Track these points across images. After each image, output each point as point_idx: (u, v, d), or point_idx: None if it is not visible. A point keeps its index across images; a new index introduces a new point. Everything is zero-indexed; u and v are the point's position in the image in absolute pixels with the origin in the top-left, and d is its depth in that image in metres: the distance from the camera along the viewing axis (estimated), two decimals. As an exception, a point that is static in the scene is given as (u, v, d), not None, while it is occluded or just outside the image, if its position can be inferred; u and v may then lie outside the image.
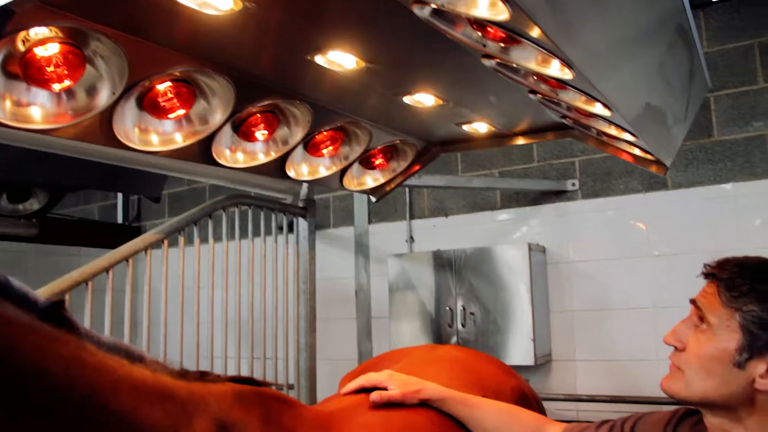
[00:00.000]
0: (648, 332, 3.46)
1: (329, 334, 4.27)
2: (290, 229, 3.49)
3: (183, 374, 1.08)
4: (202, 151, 1.85)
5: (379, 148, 2.38)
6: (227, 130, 1.86)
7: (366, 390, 1.61)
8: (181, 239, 2.81)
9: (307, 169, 2.25)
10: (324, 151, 2.21)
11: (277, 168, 2.13)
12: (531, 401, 1.94)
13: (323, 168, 2.27)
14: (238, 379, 1.19)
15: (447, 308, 3.73)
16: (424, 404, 1.62)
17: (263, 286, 3.19)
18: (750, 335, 1.16)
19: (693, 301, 1.27)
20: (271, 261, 3.25)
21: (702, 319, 1.23)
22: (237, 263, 3.06)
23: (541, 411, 1.99)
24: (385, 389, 1.60)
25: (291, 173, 2.20)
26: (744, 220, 3.38)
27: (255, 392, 1.19)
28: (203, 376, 1.12)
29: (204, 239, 2.90)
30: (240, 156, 1.99)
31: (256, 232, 3.16)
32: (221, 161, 1.94)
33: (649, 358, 3.45)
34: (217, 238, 2.93)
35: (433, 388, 1.64)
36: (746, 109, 3.51)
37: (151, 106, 1.63)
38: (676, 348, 1.27)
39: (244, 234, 3.11)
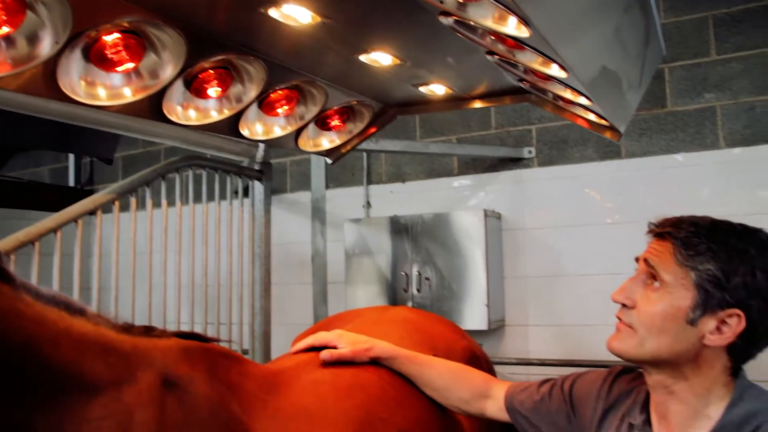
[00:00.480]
0: (599, 298, 3.51)
1: (285, 299, 4.26)
2: (246, 193, 3.45)
3: (127, 328, 1.06)
4: (153, 107, 1.80)
5: (335, 108, 2.34)
6: (179, 85, 1.81)
7: (316, 349, 1.61)
8: (133, 201, 2.75)
9: (262, 128, 2.21)
10: (279, 111, 2.17)
11: (230, 126, 2.08)
12: (481, 361, 1.96)
13: (278, 128, 2.23)
14: (184, 335, 1.17)
15: (403, 273, 3.74)
16: (375, 363, 1.63)
17: (218, 250, 3.15)
18: (705, 293, 1.19)
19: (644, 260, 1.28)
20: (226, 225, 3.21)
21: (654, 277, 1.25)
22: (191, 227, 3.01)
23: (491, 371, 2.02)
24: (335, 348, 1.60)
25: (245, 132, 2.15)
26: (693, 190, 3.45)
27: (202, 348, 1.18)
28: (148, 331, 1.11)
29: (157, 203, 2.84)
30: (192, 113, 1.94)
31: (211, 196, 3.11)
32: (173, 118, 1.88)
33: (599, 324, 3.52)
34: (171, 202, 2.87)
35: (383, 347, 1.65)
36: (699, 80, 3.57)
37: (98, 58, 1.56)
38: (624, 306, 1.28)
39: (198, 198, 3.06)
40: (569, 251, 3.72)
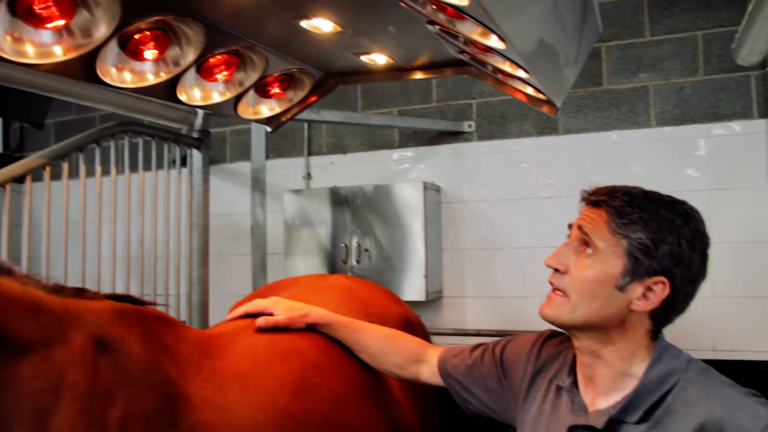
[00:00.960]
0: (534, 271, 3.58)
1: (224, 271, 4.22)
2: (183, 162, 3.39)
3: (57, 290, 1.04)
4: (86, 68, 1.74)
5: (275, 76, 2.31)
6: (113, 46, 1.75)
7: (253, 316, 1.62)
8: (65, 167, 2.66)
9: (200, 94, 2.16)
10: (218, 76, 2.13)
11: (167, 91, 2.03)
12: (416, 328, 2.00)
13: (217, 94, 2.19)
14: (117, 297, 1.16)
15: (342, 245, 3.75)
16: (311, 329, 1.64)
17: (154, 220, 3.09)
18: (634, 260, 1.24)
19: (578, 227, 1.31)
20: (163, 194, 3.15)
21: (586, 243, 1.28)
22: (127, 196, 2.94)
23: (426, 338, 2.06)
24: (271, 315, 1.61)
25: (183, 97, 2.11)
26: (625, 167, 3.56)
27: (136, 310, 1.17)
28: (80, 293, 1.09)
29: (91, 171, 2.75)
30: (127, 75, 1.88)
31: (148, 165, 3.03)
32: (107, 80, 1.83)
33: (534, 295, 3.59)
34: (106, 170, 2.80)
35: (318, 313, 1.66)
36: (633, 60, 3.66)
37: (25, 12, 1.50)
38: (557, 271, 1.31)
39: (134, 166, 2.98)
40: (506, 224, 3.79)
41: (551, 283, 1.33)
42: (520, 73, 1.96)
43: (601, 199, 1.30)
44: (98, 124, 4.93)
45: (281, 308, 1.63)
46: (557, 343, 1.51)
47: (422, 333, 2.08)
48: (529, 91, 2.26)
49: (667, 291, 1.24)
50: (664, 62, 3.60)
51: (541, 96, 2.24)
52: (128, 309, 1.15)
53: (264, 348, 1.46)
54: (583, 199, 1.36)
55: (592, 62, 3.70)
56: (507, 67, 1.95)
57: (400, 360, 1.68)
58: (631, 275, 1.24)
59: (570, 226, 1.36)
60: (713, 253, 3.56)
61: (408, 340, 1.72)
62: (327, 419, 1.41)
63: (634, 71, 3.66)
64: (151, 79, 1.93)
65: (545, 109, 2.37)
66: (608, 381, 1.30)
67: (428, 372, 1.66)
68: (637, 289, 1.24)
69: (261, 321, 1.57)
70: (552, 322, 1.33)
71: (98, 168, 2.77)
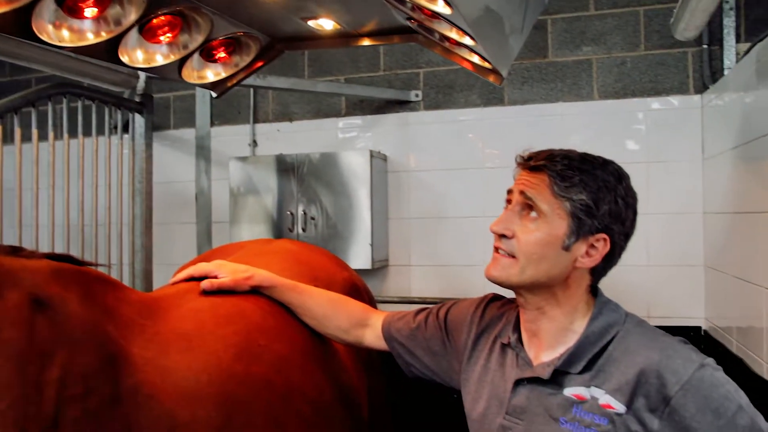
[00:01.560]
0: (478, 239, 3.68)
1: (167, 239, 4.16)
2: (125, 128, 3.30)
3: (-9, 248, 1.02)
4: (20, 24, 1.67)
5: (220, 39, 2.27)
6: (49, 2, 1.69)
7: (197, 279, 1.60)
8: (-1, 130, 2.57)
9: (143, 56, 2.10)
10: (161, 38, 2.08)
11: (109, 52, 1.97)
12: (362, 292, 2.01)
13: (160, 56, 2.13)
14: (55, 256, 1.13)
15: (288, 213, 3.74)
16: (255, 292, 1.64)
17: (95, 186, 3.00)
18: (578, 221, 1.29)
19: (521, 192, 1.34)
20: (104, 160, 3.06)
21: (530, 207, 1.32)
22: (65, 161, 2.85)
23: (372, 302, 2.08)
24: (216, 278, 1.60)
25: (125, 59, 2.05)
26: (567, 138, 3.63)
27: (75, 270, 1.14)
28: (16, 251, 1.06)
29: (27, 136, 2.65)
30: (66, 33, 1.81)
31: (87, 130, 2.94)
32: (43, 37, 1.76)
33: (478, 264, 3.69)
34: (43, 135, 2.71)
35: (263, 275, 1.66)
36: (577, 33, 3.72)
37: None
38: (503, 236, 1.35)
39: (74, 131, 2.89)
40: (452, 194, 3.83)
41: (498, 248, 1.36)
42: (467, 41, 1.97)
43: (541, 164, 1.33)
44: (34, 86, 4.76)
45: (225, 271, 1.63)
46: (500, 306, 1.55)
47: (368, 298, 2.10)
48: (476, 59, 2.27)
49: (608, 247, 1.31)
50: (607, 36, 3.67)
51: (487, 65, 2.26)
52: (67, 268, 1.13)
53: (208, 310, 1.45)
54: (520, 164, 1.40)
55: (537, 34, 3.74)
56: (453, 34, 1.96)
57: (344, 324, 1.69)
58: (576, 235, 1.30)
59: (509, 192, 1.39)
60: (650, 223, 3.69)
61: (353, 304, 1.74)
62: (271, 381, 1.42)
63: (578, 44, 3.72)
64: (90, 39, 1.86)
65: (491, 78, 2.39)
66: (552, 335, 1.36)
67: (372, 336, 1.69)
68: (581, 248, 1.31)
69: (205, 283, 1.56)
70: (500, 283, 1.37)
71: (34, 131, 2.67)
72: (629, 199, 1.33)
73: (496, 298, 1.59)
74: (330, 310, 1.70)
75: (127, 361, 1.15)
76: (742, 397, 1.19)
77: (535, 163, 1.35)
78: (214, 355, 1.33)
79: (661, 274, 3.49)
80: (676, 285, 3.47)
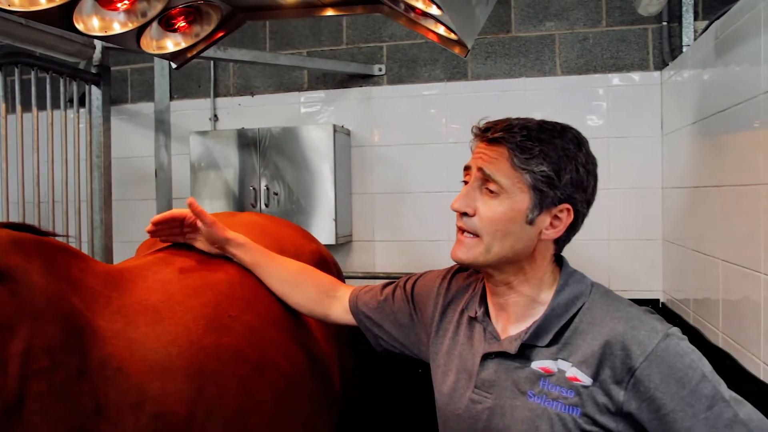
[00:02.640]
0: (441, 215, 3.69)
1: (127, 215, 4.07)
2: (81, 101, 3.20)
3: (-51, 217, 0.97)
4: (-31, -13, 1.60)
5: (180, 8, 2.20)
6: (-1, -35, 1.62)
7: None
8: (-53, 100, 2.46)
9: (99, 23, 2.03)
10: (118, 5, 2.01)
11: (62, 18, 1.89)
12: (329, 264, 2.00)
13: (117, 24, 2.06)
14: (15, 226, 1.09)
15: (251, 188, 3.69)
16: (223, 262, 1.62)
17: (50, 161, 2.91)
18: (540, 193, 1.27)
19: (479, 168, 1.30)
20: (59, 134, 2.97)
21: (490, 182, 1.29)
22: (19, 135, 2.75)
23: (339, 274, 2.07)
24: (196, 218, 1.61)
25: (80, 26, 1.97)
26: (530, 112, 3.57)
27: (36, 240, 1.10)
28: (-27, 221, 1.02)
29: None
30: (16, -3, 1.74)
31: (41, 103, 2.83)
32: (-8, 1, 1.69)
33: (441, 239, 3.71)
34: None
35: (237, 233, 1.65)
36: (541, 8, 3.72)
37: None
38: (465, 214, 1.32)
39: (27, 104, 2.78)
40: (415, 169, 3.83)
41: (460, 228, 1.34)
42: (433, 10, 1.95)
43: (499, 136, 1.30)
44: (-18, 58, 4.59)
45: (206, 215, 1.62)
46: (466, 276, 1.54)
47: (336, 270, 2.09)
48: (441, 30, 2.25)
49: (571, 216, 1.30)
50: (570, 12, 3.68)
51: (452, 36, 2.24)
52: (28, 238, 1.09)
53: (176, 282, 1.42)
54: (477, 135, 1.36)
55: (501, 9, 3.73)
56: (420, 4, 1.94)
57: (312, 294, 1.68)
58: (539, 207, 1.27)
59: (466, 168, 1.36)
60: (611, 198, 3.74)
61: (321, 276, 1.72)
62: (243, 352, 1.40)
63: (541, 19, 3.72)
64: (43, 3, 1.79)
65: (456, 50, 2.37)
66: (520, 309, 1.35)
67: (339, 309, 1.67)
68: (545, 220, 1.29)
69: (193, 203, 1.59)
70: (468, 264, 1.35)
71: (-15, 103, 2.57)
72: (590, 166, 1.31)
73: (461, 269, 1.57)
74: (299, 279, 1.68)
75: (94, 333, 1.12)
76: (706, 366, 1.19)
77: (492, 135, 1.31)
78: (184, 327, 1.30)
79: (620, 248, 3.56)
80: (635, 258, 3.54)
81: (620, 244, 3.56)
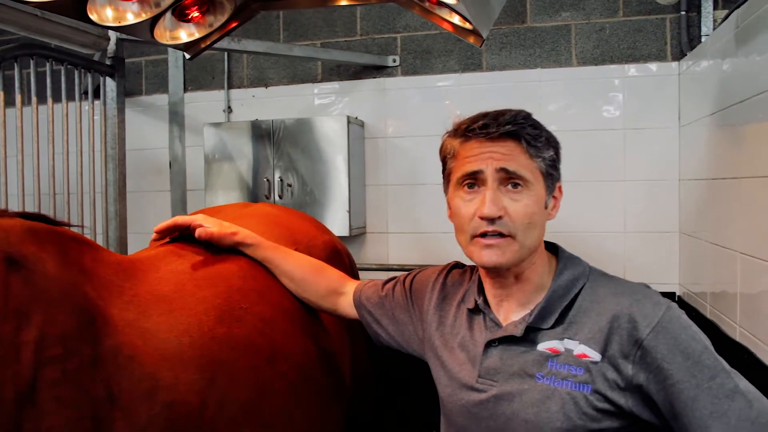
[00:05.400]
0: (455, 206, 3.66)
1: (142, 207, 4.09)
2: (96, 94, 3.21)
3: (-37, 205, 0.98)
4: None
5: (194, -2, 2.20)
6: (15, -45, 1.62)
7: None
8: (-37, 93, 2.47)
9: (113, 13, 2.03)
10: (132, -5, 2.01)
11: (76, 9, 1.90)
12: (342, 255, 2.00)
13: (131, 14, 2.06)
14: (29, 215, 1.09)
15: (265, 179, 3.69)
16: (236, 255, 1.62)
17: (66, 153, 2.92)
18: (549, 177, 1.32)
19: (501, 169, 1.27)
20: (74, 126, 2.98)
21: (512, 179, 1.27)
22: (34, 128, 2.76)
23: (352, 264, 2.08)
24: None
25: (94, 17, 1.97)
26: (545, 103, 3.62)
27: (50, 230, 1.11)
28: (-13, 210, 1.02)
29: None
30: (30, -12, 1.75)
31: (56, 95, 2.84)
32: (8, -7, 1.69)
33: (452, 231, 3.68)
34: (10, 100, 2.61)
35: (247, 233, 1.65)
36: (557, -1, 3.69)
37: None
38: (497, 219, 1.26)
39: (42, 96, 2.79)
40: (429, 160, 3.81)
41: (491, 232, 1.28)
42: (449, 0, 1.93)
43: (509, 129, 1.27)
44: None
45: (210, 223, 1.62)
46: (461, 272, 1.57)
47: (348, 261, 2.08)
48: (456, 20, 2.24)
49: (562, 193, 1.38)
50: (586, 2, 3.64)
51: (467, 26, 2.22)
52: (42, 228, 1.09)
53: (187, 272, 1.42)
54: (472, 136, 1.33)
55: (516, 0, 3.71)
56: (435, -7, 1.93)
57: (321, 289, 1.69)
58: (549, 191, 1.34)
59: (472, 174, 1.31)
60: (627, 190, 3.71)
61: (331, 272, 1.74)
62: (254, 343, 1.40)
63: (557, 10, 3.69)
64: (57, -7, 1.80)
65: (471, 39, 2.35)
66: (524, 295, 1.36)
67: (345, 303, 1.69)
68: (551, 202, 1.35)
69: (200, 232, 1.56)
70: (506, 267, 1.31)
71: (0, 94, 2.58)
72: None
73: (457, 265, 1.60)
74: (310, 275, 1.69)
75: (107, 322, 1.12)
76: (705, 338, 1.22)
77: (502, 129, 1.28)
78: (195, 318, 1.31)
79: (636, 241, 3.53)
80: (651, 251, 3.50)
81: (636, 236, 3.52)
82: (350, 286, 1.71)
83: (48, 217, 1.14)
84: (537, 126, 1.31)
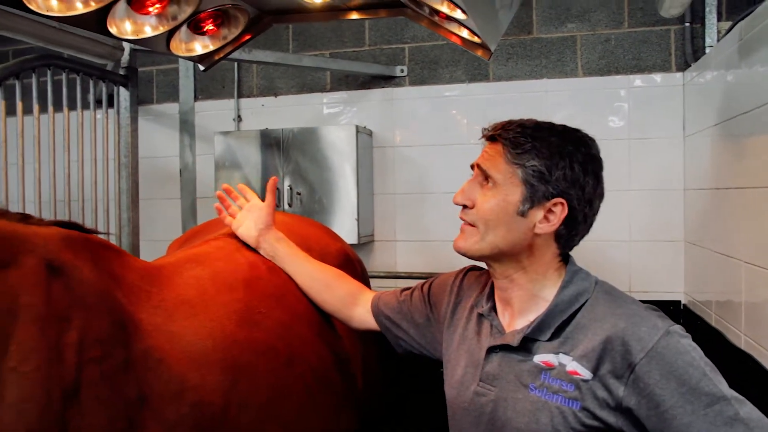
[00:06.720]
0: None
1: (152, 215, 4.14)
2: (110, 102, 3.27)
3: (3, 214, 1.03)
4: (10, -7, 1.66)
5: (209, 11, 2.25)
6: (39, -29, 1.68)
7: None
8: (-17, 101, 2.53)
9: (131, 27, 2.09)
10: (150, 9, 2.06)
11: (97, 22, 1.95)
12: (354, 263, 2.04)
13: (149, 27, 2.12)
14: (63, 224, 1.14)
15: (274, 188, 3.74)
16: (252, 260, 1.68)
17: (81, 161, 2.97)
18: (531, 187, 1.32)
19: (477, 165, 1.38)
20: (89, 134, 3.04)
21: (487, 178, 1.35)
22: (50, 136, 2.81)
23: (364, 272, 2.12)
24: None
25: (113, 30, 2.03)
26: (551, 113, 3.66)
27: (83, 237, 1.16)
28: (26, 218, 1.07)
29: (11, 109, 2.61)
30: (54, 3, 1.80)
31: (72, 103, 2.90)
32: (32, 6, 1.74)
33: (461, 239, 3.72)
34: (27, 110, 2.67)
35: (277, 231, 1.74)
36: (562, 10, 3.74)
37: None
38: (465, 207, 1.39)
39: (58, 104, 2.85)
40: (436, 170, 3.86)
41: (462, 219, 1.41)
42: (457, 14, 1.98)
43: (497, 133, 1.37)
44: (12, 59, 4.67)
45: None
46: (477, 276, 1.60)
47: (360, 269, 2.13)
48: (464, 34, 2.28)
49: (565, 211, 1.33)
50: (592, 13, 3.69)
51: (476, 39, 2.27)
52: (76, 235, 1.14)
53: (209, 278, 1.47)
54: (483, 136, 1.43)
55: (523, 11, 3.75)
56: (444, 8, 1.97)
57: (340, 295, 1.74)
58: (530, 201, 1.32)
59: (472, 167, 1.43)
60: (632, 199, 3.73)
61: (350, 280, 1.79)
62: (274, 347, 1.44)
63: (563, 21, 3.74)
64: (79, 8, 1.85)
65: (479, 52, 2.40)
66: (522, 302, 1.39)
67: (362, 311, 1.73)
68: (538, 214, 1.33)
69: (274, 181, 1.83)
70: (465, 253, 1.41)
71: (19, 104, 2.63)
72: (588, 165, 1.34)
73: (474, 268, 1.63)
74: (330, 280, 1.75)
75: (137, 326, 1.17)
76: (707, 364, 1.20)
77: (491, 132, 1.39)
78: (218, 322, 1.35)
79: (641, 250, 3.56)
80: (656, 260, 3.54)
81: (641, 245, 3.56)
82: (368, 295, 1.76)
83: (80, 225, 1.19)
84: (526, 135, 1.33)
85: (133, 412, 1.08)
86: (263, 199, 1.86)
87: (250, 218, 1.82)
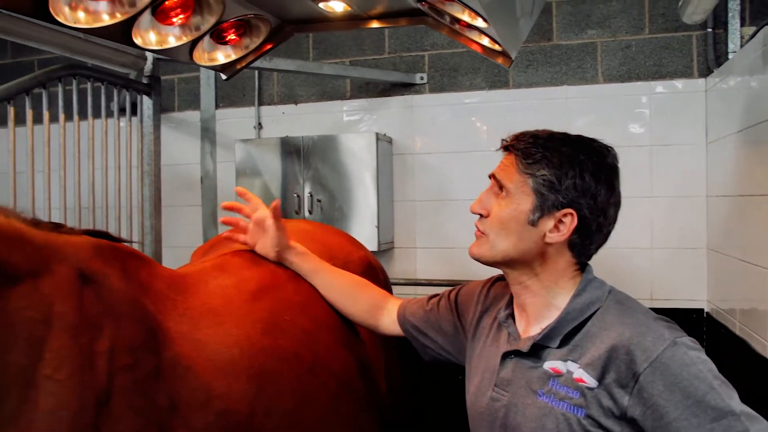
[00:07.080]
0: (482, 222, 3.70)
1: (174, 222, 4.18)
2: (133, 110, 3.32)
3: (36, 223, 1.05)
4: (37, 5, 1.69)
5: (231, 21, 2.27)
6: (67, -17, 1.71)
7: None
8: (11, 111, 2.58)
9: (156, 37, 2.12)
10: (174, 20, 2.09)
11: (122, 33, 1.98)
12: (377, 271, 2.05)
13: (173, 38, 2.15)
14: (92, 233, 1.17)
15: (294, 195, 3.76)
16: (276, 268, 1.69)
17: (105, 168, 3.02)
18: (541, 196, 1.34)
19: (493, 175, 1.42)
20: (113, 142, 3.08)
21: (501, 187, 1.38)
22: (76, 144, 2.86)
23: (386, 280, 2.13)
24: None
25: (138, 41, 2.06)
26: (572, 120, 3.66)
27: (112, 246, 1.18)
28: (57, 227, 1.09)
29: (38, 118, 2.66)
30: (81, 15, 1.83)
31: (96, 112, 2.94)
32: (60, 19, 1.77)
33: (481, 246, 3.72)
34: (53, 118, 2.72)
35: (296, 243, 1.74)
36: (583, 17, 3.73)
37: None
38: (481, 216, 1.42)
39: (83, 112, 2.90)
40: (456, 176, 3.86)
41: (477, 227, 1.44)
42: (479, 23, 1.99)
43: (510, 144, 1.40)
44: (37, 68, 4.74)
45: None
46: (503, 286, 1.60)
47: (383, 277, 2.14)
48: (485, 42, 2.29)
49: (575, 221, 1.33)
50: (612, 20, 3.68)
51: (496, 47, 2.27)
52: (106, 245, 1.16)
53: (234, 287, 1.49)
54: (501, 147, 1.46)
55: (543, 18, 3.75)
56: (465, 16, 1.98)
57: (365, 306, 1.76)
58: (540, 210, 1.34)
59: (490, 176, 1.45)
60: (654, 206, 3.71)
61: (374, 289, 1.81)
62: (298, 354, 1.46)
63: (583, 27, 3.73)
64: (106, 20, 1.88)
65: (500, 60, 2.40)
66: (536, 309, 1.41)
67: (388, 320, 1.75)
68: (548, 223, 1.34)
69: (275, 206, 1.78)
70: (478, 260, 1.44)
71: (46, 113, 2.68)
72: (601, 175, 1.34)
73: (501, 278, 1.63)
74: (355, 291, 1.77)
75: (165, 334, 1.18)
76: (717, 378, 1.18)
77: (506, 143, 1.43)
78: (244, 330, 1.37)
79: (664, 257, 3.54)
80: (679, 268, 3.51)
81: (663, 252, 3.53)
82: (393, 303, 1.77)
83: (108, 234, 1.22)
84: (538, 146, 1.35)
85: (164, 419, 1.09)
86: (283, 205, 1.89)
87: (263, 240, 1.79)
